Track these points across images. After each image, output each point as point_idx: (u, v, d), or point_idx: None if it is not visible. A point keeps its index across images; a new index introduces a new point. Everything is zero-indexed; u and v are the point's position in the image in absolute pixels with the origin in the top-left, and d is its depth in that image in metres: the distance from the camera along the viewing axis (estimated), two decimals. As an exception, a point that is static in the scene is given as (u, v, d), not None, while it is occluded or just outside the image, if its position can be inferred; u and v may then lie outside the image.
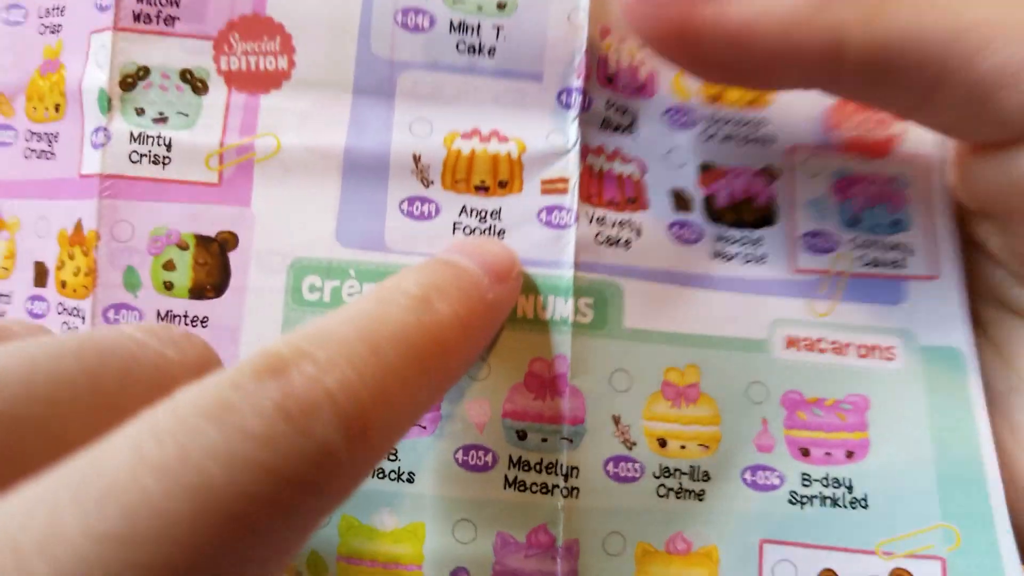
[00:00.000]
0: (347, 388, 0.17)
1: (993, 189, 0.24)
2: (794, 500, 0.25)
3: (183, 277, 0.25)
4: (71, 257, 0.26)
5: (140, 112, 0.25)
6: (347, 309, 0.19)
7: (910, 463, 0.25)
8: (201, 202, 0.25)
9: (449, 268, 0.22)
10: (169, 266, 0.25)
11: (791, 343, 0.26)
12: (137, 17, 0.25)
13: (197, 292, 0.25)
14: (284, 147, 0.25)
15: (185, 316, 0.25)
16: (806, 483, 0.25)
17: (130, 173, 0.25)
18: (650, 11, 0.23)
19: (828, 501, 0.25)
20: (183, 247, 0.25)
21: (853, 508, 0.25)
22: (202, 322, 0.25)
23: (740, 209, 0.27)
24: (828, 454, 0.25)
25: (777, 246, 0.27)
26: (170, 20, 0.25)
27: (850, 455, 0.25)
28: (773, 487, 0.25)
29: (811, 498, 0.25)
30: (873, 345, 0.26)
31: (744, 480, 0.25)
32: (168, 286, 0.25)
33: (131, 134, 0.25)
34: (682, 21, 0.22)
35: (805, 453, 0.25)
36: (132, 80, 0.25)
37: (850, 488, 0.25)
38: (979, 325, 0.26)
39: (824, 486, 0.25)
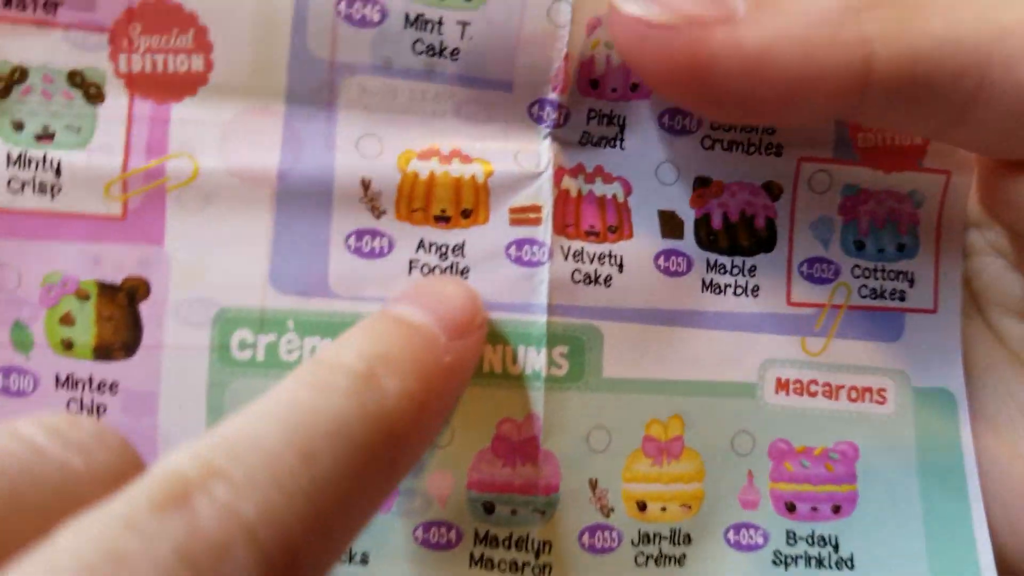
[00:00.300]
0: (270, 516, 0.14)
1: None
2: (778, 561, 0.23)
3: (85, 334, 0.21)
4: None
5: (18, 127, 0.20)
6: (273, 400, 0.16)
7: (899, 519, 0.23)
8: (103, 241, 0.21)
9: (398, 328, 0.19)
10: (67, 320, 0.21)
11: (781, 386, 0.24)
12: (8, 2, 0.20)
13: (103, 352, 0.21)
14: (203, 171, 0.21)
15: (90, 381, 0.21)
16: (791, 542, 0.23)
17: (11, 206, 0.20)
18: (654, 45, 0.19)
19: (813, 561, 0.23)
20: (83, 297, 0.21)
21: (839, 569, 0.23)
22: (111, 388, 0.21)
23: (736, 232, 0.24)
24: (815, 509, 0.24)
25: (772, 276, 0.24)
26: (51, 6, 0.20)
27: (837, 510, 0.24)
28: (757, 547, 0.24)
29: (796, 558, 0.23)
30: (865, 388, 0.24)
31: (727, 540, 0.23)
32: (67, 345, 0.21)
33: (8, 156, 0.20)
34: (692, 51, 0.19)
35: (791, 508, 0.24)
36: (6, 84, 0.20)
37: (836, 547, 0.23)
38: (1002, 342, 0.24)
39: (809, 545, 0.23)
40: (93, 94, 0.20)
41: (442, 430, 0.22)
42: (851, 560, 0.23)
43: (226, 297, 0.21)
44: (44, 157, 0.20)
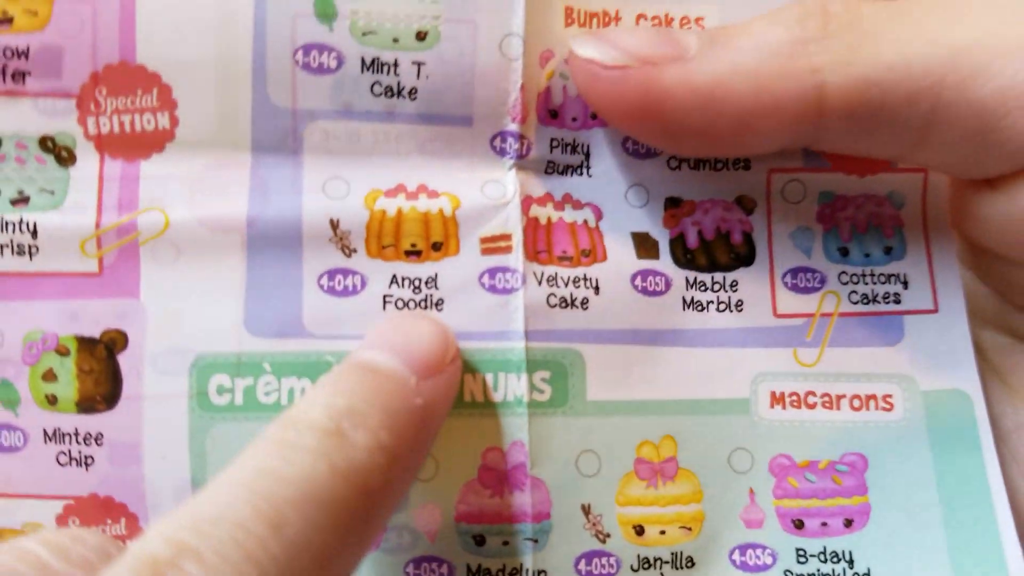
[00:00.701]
0: None
1: (998, 225, 0.21)
2: None
3: (67, 388, 0.21)
4: None
5: None
6: (239, 467, 0.16)
7: (917, 529, 0.22)
8: (80, 297, 0.21)
9: (364, 377, 0.19)
10: (49, 376, 0.21)
11: (776, 400, 0.23)
12: None
13: (86, 405, 0.21)
14: (173, 223, 0.21)
15: (75, 434, 0.21)
16: (802, 560, 0.23)
17: None
18: (609, 84, 0.20)
19: None
20: (63, 353, 0.21)
21: None
22: (96, 440, 0.21)
23: (713, 249, 0.23)
24: (824, 524, 0.23)
25: (755, 289, 0.23)
26: (19, 76, 0.21)
27: (849, 524, 0.23)
28: (765, 567, 0.23)
29: None
30: (869, 395, 0.23)
31: (732, 562, 0.23)
32: (52, 400, 0.21)
33: None
34: (645, 89, 0.20)
35: (799, 525, 0.23)
36: None
37: (851, 562, 0.22)
38: (979, 352, 0.24)
39: (822, 561, 0.23)
40: (65, 157, 0.21)
41: (418, 470, 0.21)
42: (868, 575, 0.22)
43: (202, 344, 0.21)
44: (20, 220, 0.21)
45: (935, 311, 0.23)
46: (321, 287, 0.22)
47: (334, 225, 0.22)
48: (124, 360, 0.21)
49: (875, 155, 0.21)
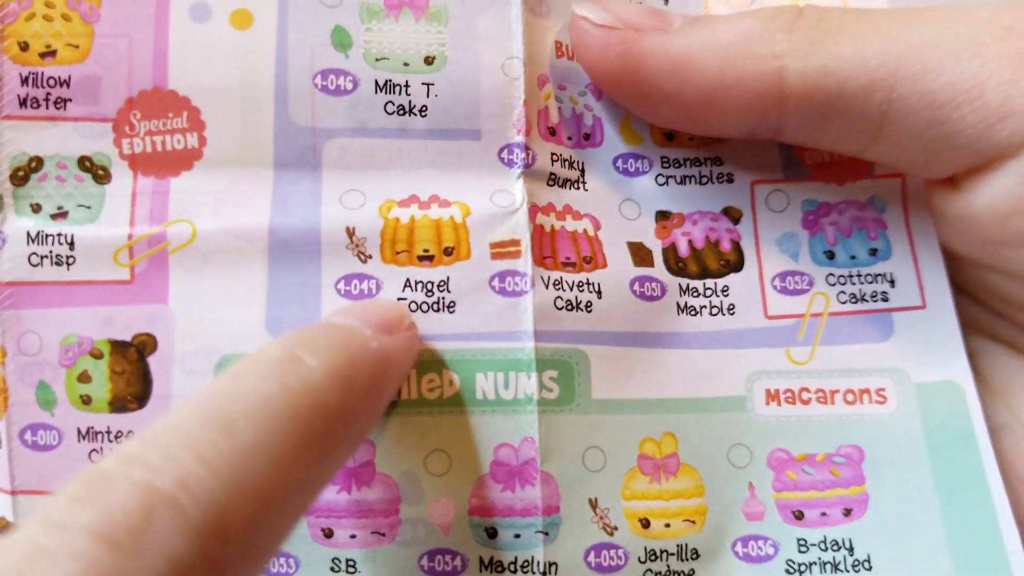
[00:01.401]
0: (190, 484, 0.14)
1: (962, 227, 0.23)
2: (791, 569, 0.23)
3: (101, 389, 0.22)
4: None
5: (36, 208, 0.23)
6: (197, 394, 0.17)
7: (914, 515, 0.23)
8: (113, 303, 0.23)
9: (321, 326, 0.20)
10: (84, 378, 0.22)
11: (771, 397, 0.24)
12: (24, 102, 0.23)
13: (118, 405, 0.22)
14: (200, 233, 0.23)
15: (108, 432, 0.22)
16: (803, 549, 0.23)
17: (31, 278, 0.22)
18: (596, 41, 0.23)
19: (828, 567, 0.23)
20: (97, 356, 0.23)
21: (856, 572, 0.23)
22: (127, 438, 0.22)
23: (703, 257, 0.25)
24: (824, 514, 0.23)
25: (746, 293, 0.25)
26: (61, 103, 0.23)
27: (848, 513, 0.23)
28: (768, 558, 0.23)
29: (809, 565, 0.23)
30: (862, 389, 0.24)
31: (736, 553, 0.23)
32: (86, 400, 0.22)
33: (28, 234, 0.22)
34: (625, 49, 0.22)
35: (799, 516, 0.24)
36: (24, 173, 0.23)
37: (851, 549, 0.23)
38: None
39: (823, 550, 0.23)
40: (101, 175, 0.23)
41: (379, 416, 0.22)
42: (868, 561, 0.23)
43: (227, 345, 0.23)
44: (59, 233, 0.22)
45: (923, 307, 0.24)
46: (338, 291, 0.23)
47: (350, 233, 0.23)
48: (154, 362, 0.23)
49: (836, 148, 0.23)
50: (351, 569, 0.22)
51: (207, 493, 0.14)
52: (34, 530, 0.14)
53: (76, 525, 0.14)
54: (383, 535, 0.22)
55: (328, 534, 0.22)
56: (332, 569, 0.22)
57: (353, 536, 0.22)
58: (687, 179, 0.25)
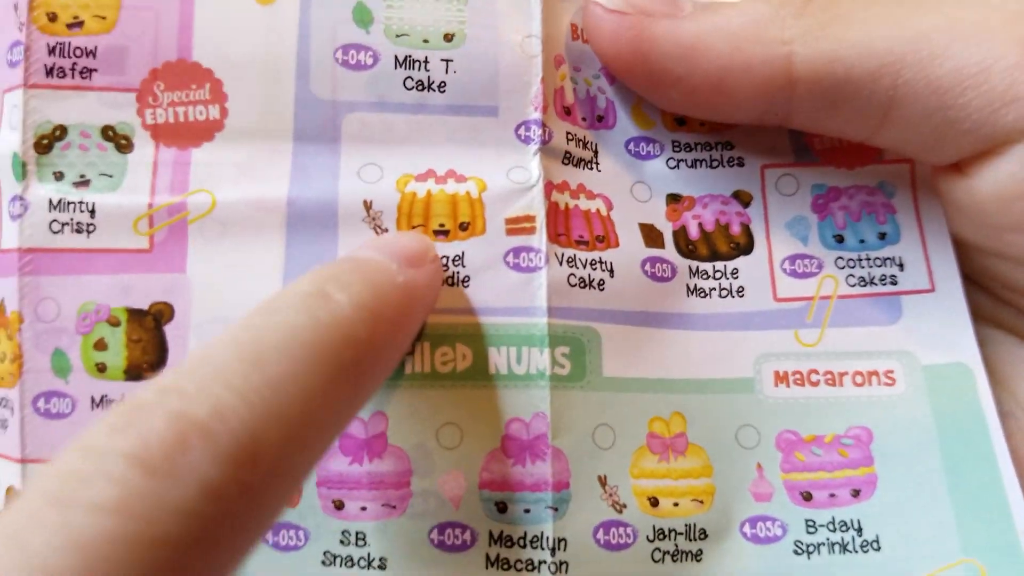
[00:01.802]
0: (223, 414, 0.15)
1: (969, 214, 0.23)
2: (799, 550, 0.23)
3: (117, 357, 0.23)
4: None
5: (59, 176, 0.23)
6: (230, 328, 0.17)
7: (923, 496, 0.23)
8: (132, 272, 0.23)
9: (349, 260, 0.20)
10: (100, 345, 0.23)
11: (780, 379, 0.24)
12: (50, 71, 0.23)
13: (133, 373, 0.23)
14: (220, 203, 0.23)
15: (121, 400, 0.23)
16: (811, 530, 0.23)
17: (52, 245, 0.23)
18: (608, 25, 0.23)
19: (836, 547, 0.23)
20: (114, 323, 0.23)
21: (865, 552, 0.23)
22: None
23: (713, 240, 0.25)
24: (832, 496, 0.24)
25: (755, 276, 0.25)
26: (87, 72, 0.23)
27: (856, 494, 0.24)
28: (776, 539, 0.23)
29: (818, 546, 0.23)
30: (871, 371, 0.24)
31: (744, 534, 0.23)
32: (101, 368, 0.23)
33: (50, 201, 0.23)
34: (636, 34, 0.23)
35: (807, 497, 0.24)
36: (48, 141, 0.23)
37: (860, 530, 0.23)
38: None
39: (831, 531, 0.23)
40: (123, 145, 0.23)
41: (404, 350, 0.22)
42: (877, 541, 0.23)
43: (242, 314, 0.23)
44: (80, 201, 0.23)
45: (932, 290, 0.25)
46: None
47: (367, 206, 0.23)
48: (170, 330, 0.23)
49: (844, 134, 0.23)
50: (361, 542, 0.22)
51: (240, 421, 0.15)
52: (72, 456, 0.14)
53: (113, 451, 0.14)
54: (394, 507, 0.23)
55: (339, 506, 0.23)
56: (341, 542, 0.23)
57: (364, 508, 0.23)
58: (698, 163, 0.25)
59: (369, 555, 0.22)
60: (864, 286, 0.25)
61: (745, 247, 0.25)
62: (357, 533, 0.23)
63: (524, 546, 0.23)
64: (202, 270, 0.23)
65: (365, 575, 0.22)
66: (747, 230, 0.25)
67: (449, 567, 0.22)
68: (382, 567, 0.22)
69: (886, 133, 0.23)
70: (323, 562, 0.22)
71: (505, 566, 0.22)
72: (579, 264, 0.24)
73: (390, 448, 0.23)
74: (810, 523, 0.23)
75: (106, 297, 0.23)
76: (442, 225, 0.23)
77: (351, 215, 0.23)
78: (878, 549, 0.23)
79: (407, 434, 0.23)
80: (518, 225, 0.23)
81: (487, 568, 0.22)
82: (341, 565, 0.22)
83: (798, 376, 0.24)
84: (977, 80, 0.21)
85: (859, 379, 0.24)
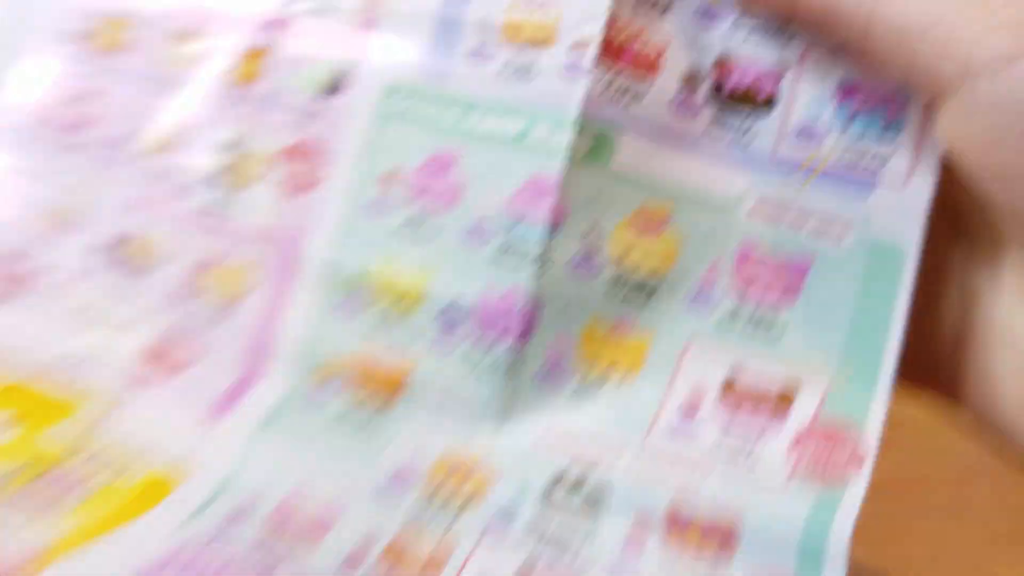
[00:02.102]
0: None
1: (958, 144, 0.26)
2: (722, 326, 0.30)
3: None
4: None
5: None
6: None
7: (826, 327, 0.29)
8: None
9: None
10: None
11: (757, 211, 0.30)
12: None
13: None
14: None
15: None
16: (735, 316, 0.30)
17: None
18: None
19: (750, 329, 0.30)
20: None
21: (768, 330, 0.30)
22: None
23: (742, 99, 0.30)
24: (761, 301, 0.30)
25: (766, 133, 0.30)
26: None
27: (777, 307, 0.30)
28: (708, 314, 0.30)
29: (739, 325, 0.30)
30: (828, 224, 0.30)
31: (685, 303, 0.30)
32: None
33: None
34: None
35: (742, 294, 0.30)
36: None
37: (769, 328, 0.29)
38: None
39: (748, 322, 0.30)
40: None
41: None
42: (781, 340, 0.29)
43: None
44: None
45: (902, 192, 0.29)
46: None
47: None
48: None
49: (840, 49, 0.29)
50: None
51: None
52: None
53: None
54: None
55: None
56: None
57: None
58: (754, 31, 0.30)
59: None
60: (851, 169, 0.29)
61: (764, 112, 0.30)
62: None
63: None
64: None
65: None
66: (771, 99, 0.30)
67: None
68: None
69: (870, 62, 0.27)
70: None
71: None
72: (615, 87, 0.30)
73: None
74: (736, 311, 0.30)
75: None
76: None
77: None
78: (779, 343, 0.29)
79: None
80: (578, 48, 0.30)
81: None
82: None
83: (773, 212, 0.30)
84: (930, 28, 0.24)
85: (819, 230, 0.30)
